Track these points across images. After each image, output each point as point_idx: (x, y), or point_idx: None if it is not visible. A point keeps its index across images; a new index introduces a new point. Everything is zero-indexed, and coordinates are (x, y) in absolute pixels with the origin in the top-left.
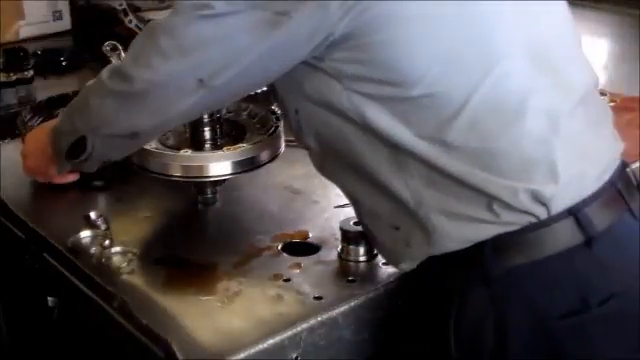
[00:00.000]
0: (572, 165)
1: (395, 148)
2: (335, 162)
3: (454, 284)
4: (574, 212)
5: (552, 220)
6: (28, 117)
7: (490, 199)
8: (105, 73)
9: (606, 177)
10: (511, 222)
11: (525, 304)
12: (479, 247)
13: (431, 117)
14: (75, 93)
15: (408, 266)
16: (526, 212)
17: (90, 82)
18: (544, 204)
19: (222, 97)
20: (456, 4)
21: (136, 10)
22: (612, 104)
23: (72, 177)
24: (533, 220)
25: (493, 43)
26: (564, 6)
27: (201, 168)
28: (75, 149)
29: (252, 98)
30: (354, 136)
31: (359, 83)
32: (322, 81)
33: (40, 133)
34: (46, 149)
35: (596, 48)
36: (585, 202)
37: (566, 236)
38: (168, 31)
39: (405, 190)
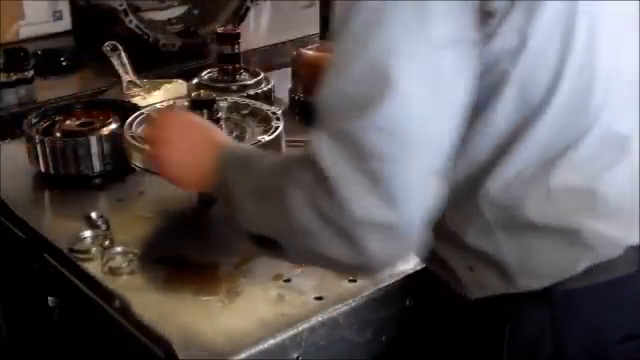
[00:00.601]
0: None
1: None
2: None
3: (512, 297)
4: None
5: None
6: (34, 121)
7: (580, 248)
8: (309, 213)
9: None
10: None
11: (585, 326)
12: None
13: (543, 153)
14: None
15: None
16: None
17: (289, 187)
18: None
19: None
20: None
21: (136, 10)
22: None
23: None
24: None
25: (611, 76)
26: None
27: None
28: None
29: (253, 98)
30: None
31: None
32: None
33: (200, 142)
34: (203, 167)
35: None
36: None
37: (630, 260)
38: (390, 132)
39: (488, 245)
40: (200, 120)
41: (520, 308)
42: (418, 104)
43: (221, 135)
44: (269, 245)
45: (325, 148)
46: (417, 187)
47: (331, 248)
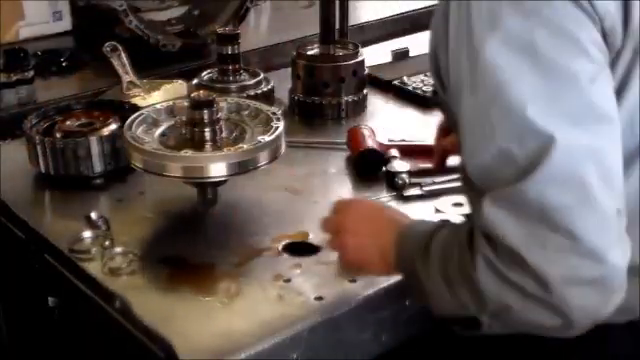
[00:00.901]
0: None
1: None
2: None
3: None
4: None
5: None
6: (34, 122)
7: None
8: (487, 277)
9: None
10: None
11: None
12: None
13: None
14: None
15: None
16: None
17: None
18: None
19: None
20: None
21: (136, 11)
22: None
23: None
24: None
25: None
26: None
27: (201, 169)
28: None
29: (253, 98)
30: None
31: None
32: None
33: (378, 223)
34: (384, 251)
35: None
36: None
37: None
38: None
39: None
40: (377, 203)
41: (599, 339)
42: (583, 147)
43: (398, 213)
44: (466, 324)
45: (500, 220)
46: (610, 230)
47: (532, 316)
